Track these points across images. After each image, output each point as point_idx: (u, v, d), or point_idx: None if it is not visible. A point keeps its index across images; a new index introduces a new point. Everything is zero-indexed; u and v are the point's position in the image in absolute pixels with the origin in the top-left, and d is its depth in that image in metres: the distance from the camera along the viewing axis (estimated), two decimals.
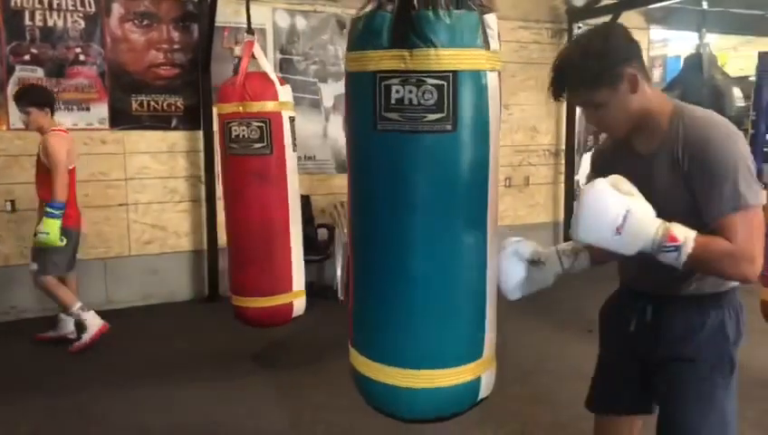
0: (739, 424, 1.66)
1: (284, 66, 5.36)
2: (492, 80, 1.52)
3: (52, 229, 3.73)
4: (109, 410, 3.25)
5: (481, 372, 1.65)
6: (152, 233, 5.09)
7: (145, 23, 4.89)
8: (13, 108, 4.51)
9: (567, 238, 2.10)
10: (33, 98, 3.88)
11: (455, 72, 1.46)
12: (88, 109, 4.78)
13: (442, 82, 1.46)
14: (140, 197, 5.02)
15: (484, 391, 1.69)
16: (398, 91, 1.50)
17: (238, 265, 3.54)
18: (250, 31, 3.51)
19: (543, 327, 4.50)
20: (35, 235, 3.82)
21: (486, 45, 1.50)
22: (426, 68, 1.46)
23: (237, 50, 5.20)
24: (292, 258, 3.52)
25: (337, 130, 5.66)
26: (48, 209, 3.76)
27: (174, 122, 5.07)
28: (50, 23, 4.61)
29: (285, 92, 3.46)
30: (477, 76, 1.50)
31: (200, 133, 5.11)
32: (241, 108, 3.34)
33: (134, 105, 4.92)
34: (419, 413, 1.67)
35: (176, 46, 5.01)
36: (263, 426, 3.10)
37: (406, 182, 1.54)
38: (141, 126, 4.96)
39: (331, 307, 5.10)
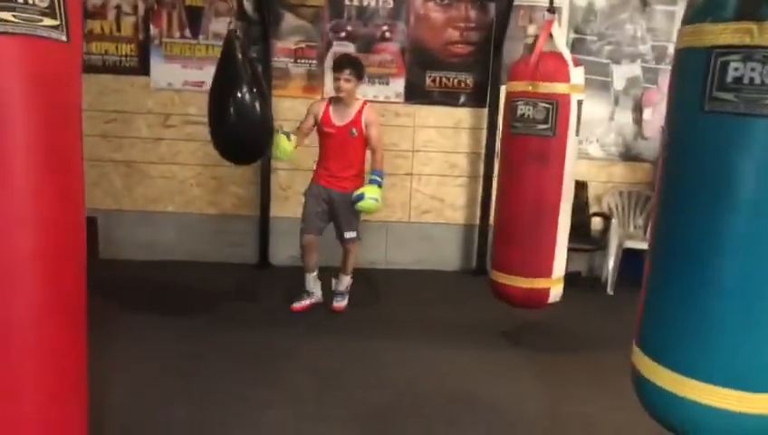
0: None
1: (576, 46, 5.17)
2: None
3: (379, 196, 3.93)
4: (385, 363, 3.55)
5: None
6: (431, 203, 5.38)
7: (445, 1, 5.11)
8: (329, 79, 5.13)
9: None
10: (359, 69, 4.06)
11: None
12: (387, 83, 5.19)
13: None
14: (424, 168, 5.32)
15: None
16: (736, 69, 1.34)
17: (503, 242, 3.57)
18: (551, 9, 3.44)
19: None
20: (354, 202, 3.91)
21: None
22: None
23: (531, 29, 5.23)
24: (556, 245, 3.45)
25: (625, 115, 5.32)
26: (375, 177, 3.95)
27: (461, 99, 5.25)
28: (365, 2, 5.09)
29: (578, 75, 3.34)
30: None
31: (485, 111, 5.21)
32: (530, 87, 3.32)
33: (428, 81, 5.21)
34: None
35: (471, 24, 5.16)
36: (521, 408, 3.10)
37: (733, 174, 1.38)
38: (432, 101, 5.23)
39: (598, 300, 4.90)
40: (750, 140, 1.36)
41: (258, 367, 3.35)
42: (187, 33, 5.04)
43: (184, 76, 5.05)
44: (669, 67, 5.32)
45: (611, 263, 5.02)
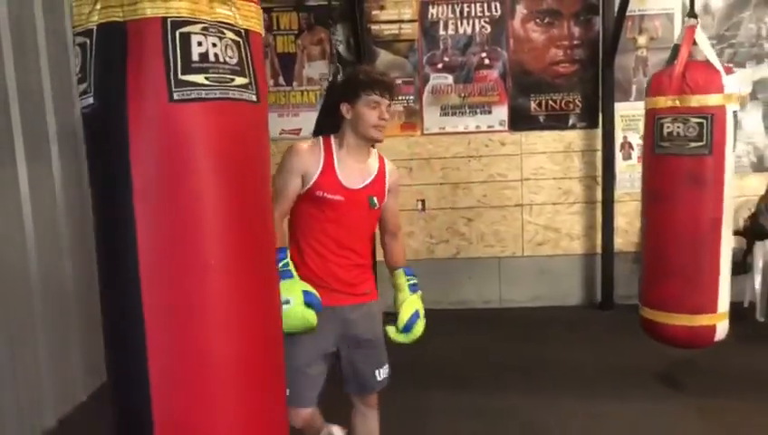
0: None
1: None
2: None
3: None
4: (530, 415, 3.21)
5: None
6: (545, 234, 5.03)
7: (546, 20, 4.82)
8: (427, 114, 4.91)
9: None
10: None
11: None
12: (489, 112, 4.91)
13: None
14: (535, 197, 4.99)
15: None
16: None
17: (656, 275, 3.17)
18: (692, 14, 3.09)
19: None
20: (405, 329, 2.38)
21: None
22: None
23: (642, 40, 4.86)
24: (720, 274, 3.04)
25: (755, 122, 4.84)
26: (411, 279, 2.40)
27: (571, 121, 4.91)
28: (460, 30, 4.85)
29: (732, 83, 2.97)
30: None
31: (598, 131, 4.85)
32: (678, 102, 2.96)
33: (533, 105, 4.90)
34: None
35: (575, 42, 4.84)
36: None
37: None
38: (539, 126, 4.91)
39: (748, 329, 4.39)
40: None
41: (389, 432, 3.07)
42: (281, 80, 4.93)
43: (280, 125, 4.92)
44: None
45: (758, 286, 4.52)
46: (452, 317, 4.77)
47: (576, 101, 4.88)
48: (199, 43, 1.08)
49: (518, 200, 4.99)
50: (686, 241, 3.05)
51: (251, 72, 1.17)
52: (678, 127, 2.99)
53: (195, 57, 1.08)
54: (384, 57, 4.89)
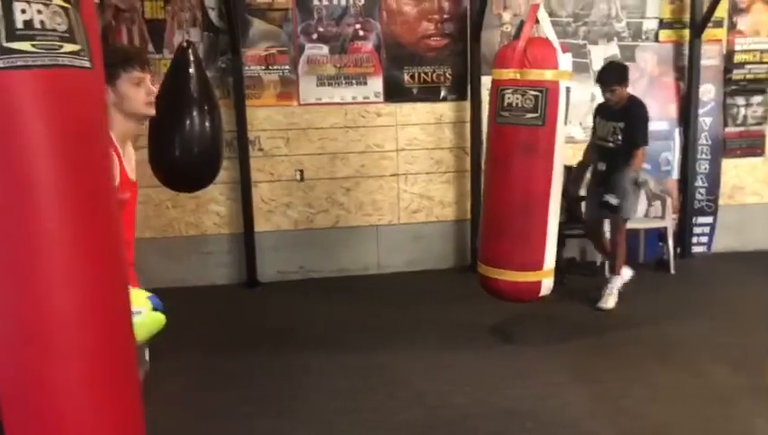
0: None
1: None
2: None
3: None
4: (404, 376, 3.41)
5: None
6: (420, 202, 5.24)
7: None
8: (304, 84, 4.94)
9: None
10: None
11: None
12: (365, 83, 5.02)
13: None
14: (410, 167, 5.17)
15: None
16: None
17: (492, 235, 3.43)
18: None
19: None
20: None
21: None
22: None
23: (507, 15, 5.13)
24: (547, 235, 3.32)
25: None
26: None
27: (442, 93, 5.12)
28: (335, 1, 4.89)
29: (566, 61, 3.22)
30: None
31: (467, 104, 5.09)
32: (518, 75, 3.17)
33: (406, 78, 5.05)
34: None
35: (445, 16, 5.02)
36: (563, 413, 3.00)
37: None
38: (412, 98, 5.08)
39: (592, 284, 4.84)
40: None
41: (271, 391, 3.17)
42: (150, 47, 4.76)
43: None
44: (646, 44, 5.39)
45: None
46: (332, 285, 4.93)
47: (447, 74, 5.09)
48: (23, 11, 1.08)
49: (394, 170, 5.16)
50: (517, 205, 3.26)
51: (82, 38, 1.18)
52: (517, 98, 3.19)
53: (19, 24, 1.08)
54: (258, 26, 4.84)
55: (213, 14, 4.74)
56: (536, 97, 3.15)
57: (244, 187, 4.92)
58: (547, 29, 3.27)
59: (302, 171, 5.02)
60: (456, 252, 5.34)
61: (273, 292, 4.90)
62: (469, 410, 3.01)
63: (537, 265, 3.33)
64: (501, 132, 3.32)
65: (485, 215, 3.50)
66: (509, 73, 3.21)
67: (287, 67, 4.92)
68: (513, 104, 3.21)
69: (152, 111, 1.97)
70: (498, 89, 3.27)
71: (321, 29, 4.91)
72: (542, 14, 3.27)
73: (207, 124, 3.13)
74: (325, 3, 4.88)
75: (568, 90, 3.22)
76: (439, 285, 5.00)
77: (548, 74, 3.17)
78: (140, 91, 1.91)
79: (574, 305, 4.35)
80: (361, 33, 4.95)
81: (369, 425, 2.89)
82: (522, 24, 3.34)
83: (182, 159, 3.11)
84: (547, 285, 3.41)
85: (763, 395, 3.04)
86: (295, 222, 5.09)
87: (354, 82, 4.99)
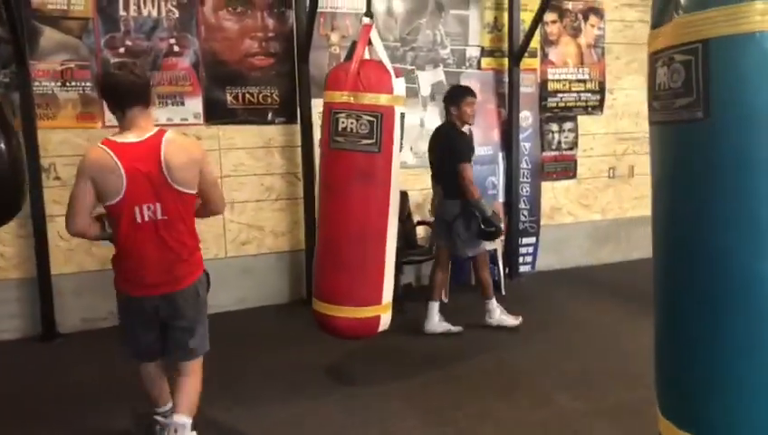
0: None
1: None
2: None
3: None
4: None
5: None
6: (249, 233, 4.82)
7: (239, 9, 4.60)
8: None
9: None
10: None
11: None
12: (182, 103, 4.53)
13: None
14: (237, 195, 4.75)
15: None
16: None
17: (327, 268, 3.16)
18: (369, 14, 3.12)
19: None
20: None
21: None
22: None
23: (334, 37, 4.94)
24: (385, 268, 3.14)
25: (435, 121, 5.28)
26: None
27: (270, 115, 4.78)
28: (144, 12, 4.36)
29: (400, 85, 3.06)
30: None
31: (297, 127, 4.81)
32: (352, 98, 2.96)
33: (229, 98, 4.65)
34: None
35: (270, 34, 4.72)
36: None
37: None
38: (237, 120, 4.68)
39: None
40: None
41: None
42: None
43: None
44: (470, 71, 5.51)
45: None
46: None
47: (274, 95, 4.77)
48: None
49: None
50: (355, 235, 3.04)
51: None
52: (352, 123, 2.96)
53: None
54: (50, 35, 4.16)
55: None
56: (371, 123, 2.95)
57: (36, 221, 4.17)
58: (380, 51, 3.10)
59: None
60: (291, 285, 4.99)
61: (76, 344, 4.19)
62: None
63: (375, 299, 3.11)
64: (336, 158, 3.06)
65: (320, 247, 3.21)
66: (342, 96, 2.98)
67: (88, 84, 4.28)
68: (348, 129, 2.97)
69: None
70: (331, 112, 3.01)
71: (128, 42, 4.35)
72: (375, 36, 3.10)
73: (2, 146, 2.61)
74: (133, 14, 4.34)
75: (402, 115, 3.06)
76: (274, 322, 4.61)
77: (383, 99, 2.98)
78: None
79: (414, 336, 4.20)
80: (176, 48, 4.47)
81: None
82: (354, 44, 3.13)
83: None
84: (385, 320, 3.20)
85: (608, 418, 3.05)
86: (102, 261, 4.40)
87: (170, 101, 4.49)
